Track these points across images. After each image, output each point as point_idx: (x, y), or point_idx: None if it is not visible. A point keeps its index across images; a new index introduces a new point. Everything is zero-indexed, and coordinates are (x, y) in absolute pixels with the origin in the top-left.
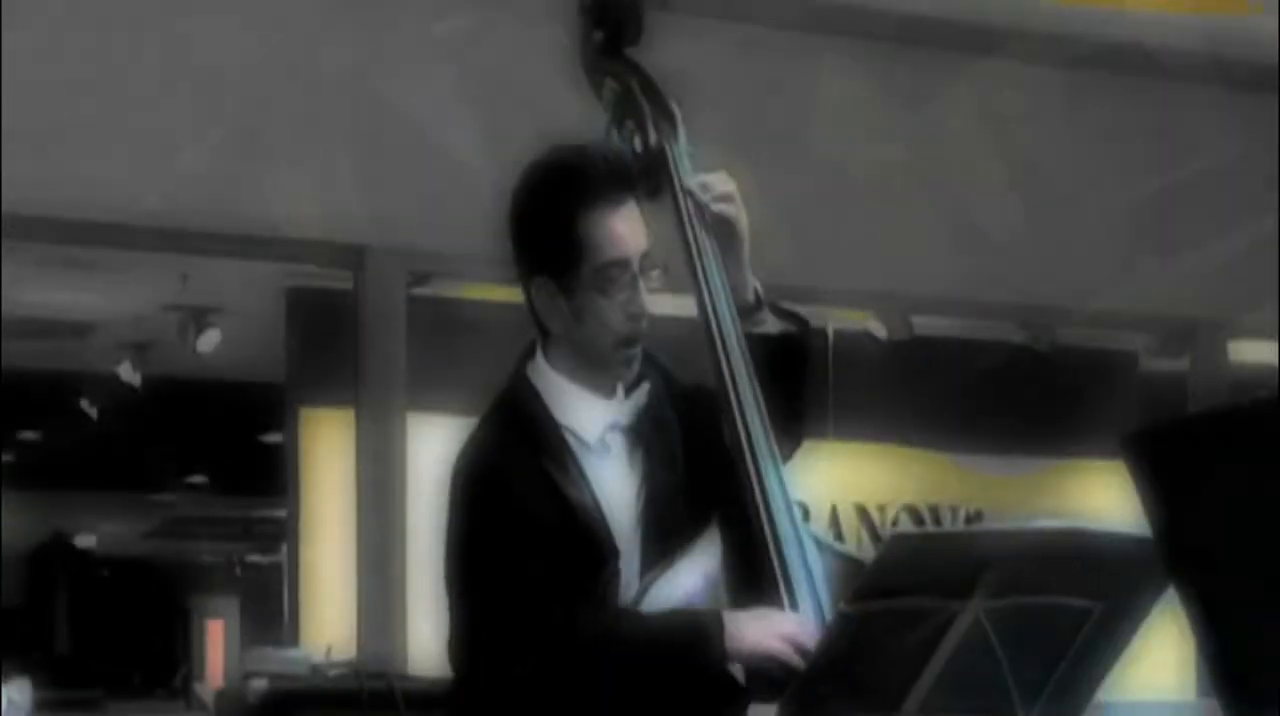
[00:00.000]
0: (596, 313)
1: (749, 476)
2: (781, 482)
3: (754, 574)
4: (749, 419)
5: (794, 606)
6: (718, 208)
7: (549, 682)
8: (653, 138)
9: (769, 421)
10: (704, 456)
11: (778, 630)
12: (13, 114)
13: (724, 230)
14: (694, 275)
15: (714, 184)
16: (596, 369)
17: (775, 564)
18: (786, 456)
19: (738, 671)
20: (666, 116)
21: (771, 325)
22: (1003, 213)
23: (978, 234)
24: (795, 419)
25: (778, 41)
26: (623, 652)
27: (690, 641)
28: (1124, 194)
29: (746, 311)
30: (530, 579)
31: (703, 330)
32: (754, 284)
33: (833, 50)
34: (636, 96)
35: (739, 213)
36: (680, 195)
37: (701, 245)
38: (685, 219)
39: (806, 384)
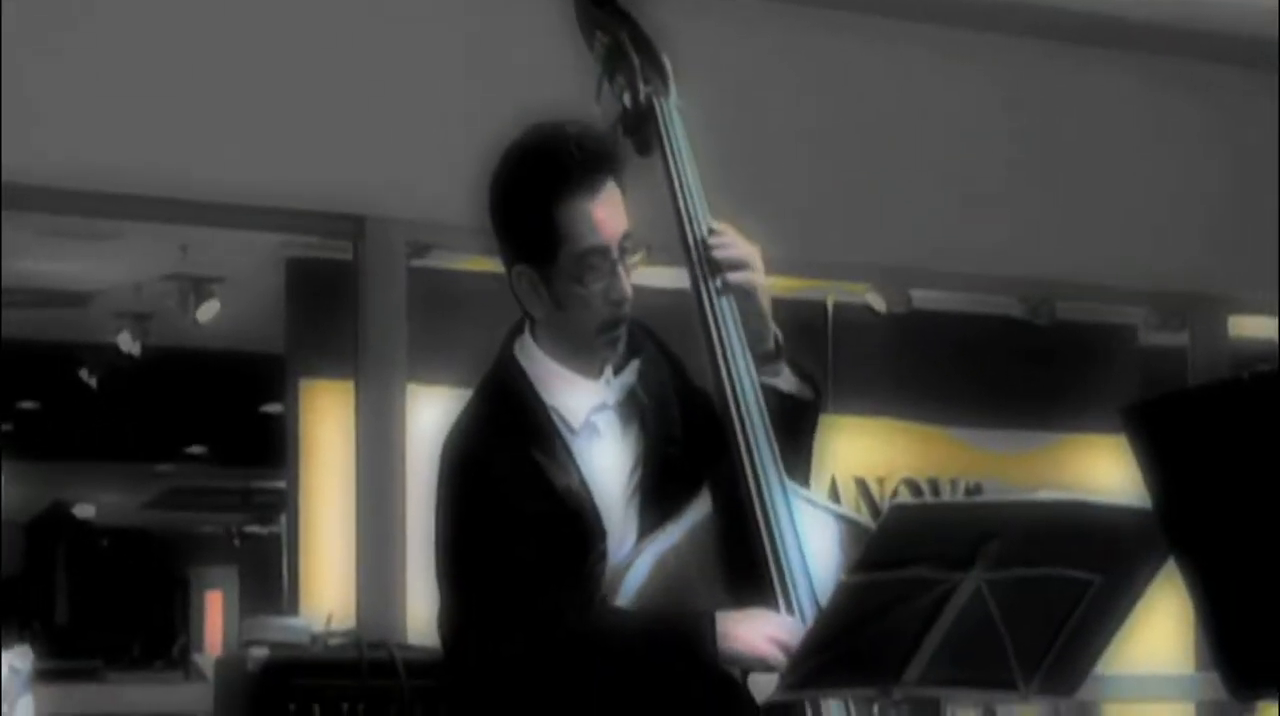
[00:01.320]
0: (577, 300)
1: (738, 443)
2: (772, 449)
3: (743, 539)
4: (739, 384)
5: (780, 572)
6: (735, 278)
7: (535, 671)
8: (643, 92)
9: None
10: (697, 424)
11: (768, 632)
12: (12, 83)
13: (742, 295)
14: (689, 260)
15: (729, 252)
16: (582, 353)
17: (763, 531)
18: None
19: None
20: (657, 70)
21: (785, 382)
22: (1003, 186)
23: (978, 207)
24: (799, 473)
25: (777, 14)
26: (612, 649)
27: (682, 641)
28: (1124, 167)
29: (764, 359)
30: (514, 568)
31: (694, 305)
32: (775, 332)
33: (832, 23)
34: (627, 49)
35: (756, 277)
36: (677, 189)
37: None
38: (683, 228)
39: (811, 446)
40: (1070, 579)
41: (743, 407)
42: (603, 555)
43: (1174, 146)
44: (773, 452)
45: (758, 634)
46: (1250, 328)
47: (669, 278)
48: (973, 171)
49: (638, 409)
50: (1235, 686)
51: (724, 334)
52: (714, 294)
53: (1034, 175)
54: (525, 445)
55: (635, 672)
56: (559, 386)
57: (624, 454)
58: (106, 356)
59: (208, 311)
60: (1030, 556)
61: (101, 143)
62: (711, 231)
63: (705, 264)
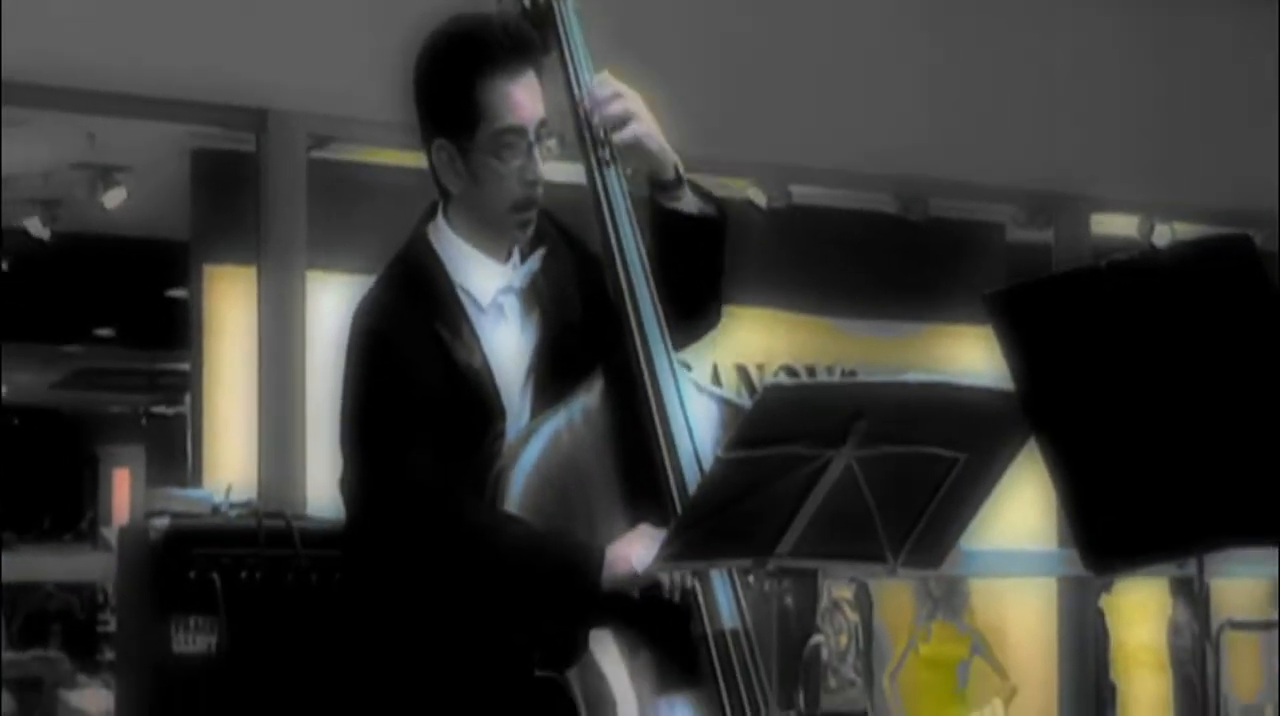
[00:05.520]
0: (492, 176)
1: (630, 323)
2: (662, 333)
3: (634, 419)
4: (631, 270)
5: (669, 449)
6: (620, 137)
7: (428, 553)
8: None
9: (682, 300)
10: (596, 314)
11: (650, 556)
12: None
13: (631, 151)
14: (581, 141)
15: (608, 108)
16: (493, 232)
17: (653, 407)
18: (700, 333)
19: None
20: None
21: (688, 204)
22: (880, 88)
23: (856, 107)
24: (712, 297)
25: None
26: (502, 556)
27: (568, 569)
28: (995, 69)
29: (667, 188)
30: (414, 439)
31: (588, 191)
32: (673, 161)
33: None
34: None
35: (639, 127)
36: (574, 85)
37: (589, 127)
38: (578, 118)
39: (721, 267)
40: (936, 457)
41: (634, 282)
42: (500, 433)
43: (1043, 50)
44: (662, 332)
45: (642, 558)
46: (1112, 225)
47: (572, 173)
48: (851, 72)
49: (539, 296)
50: (1093, 562)
51: (615, 217)
52: (604, 178)
53: (909, 78)
54: (430, 320)
55: (517, 583)
56: (469, 267)
57: (524, 338)
58: (16, 240)
59: (114, 198)
60: (898, 435)
61: (9, 32)
62: (592, 91)
63: (595, 148)
